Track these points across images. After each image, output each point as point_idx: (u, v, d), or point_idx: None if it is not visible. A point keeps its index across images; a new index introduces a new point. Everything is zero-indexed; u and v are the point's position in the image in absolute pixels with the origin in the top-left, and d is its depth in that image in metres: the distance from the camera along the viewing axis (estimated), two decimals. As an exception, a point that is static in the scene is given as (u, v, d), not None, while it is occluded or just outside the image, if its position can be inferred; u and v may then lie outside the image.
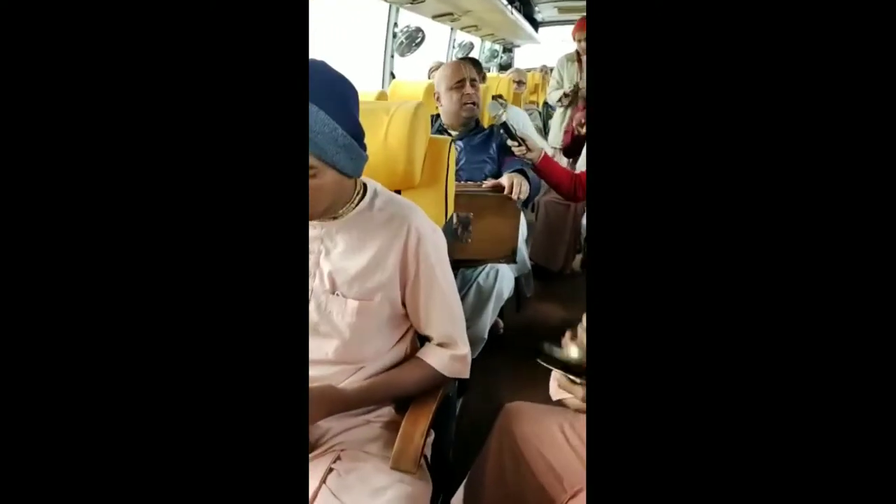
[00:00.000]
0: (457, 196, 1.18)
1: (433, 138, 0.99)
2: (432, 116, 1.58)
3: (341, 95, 0.66)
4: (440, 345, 0.81)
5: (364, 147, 0.71)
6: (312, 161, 0.64)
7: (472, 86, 1.51)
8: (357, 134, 0.69)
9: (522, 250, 1.83)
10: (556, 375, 0.64)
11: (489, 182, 1.29)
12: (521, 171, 1.31)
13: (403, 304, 0.79)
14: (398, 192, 0.95)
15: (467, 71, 1.52)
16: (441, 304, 0.78)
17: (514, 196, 1.24)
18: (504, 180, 1.26)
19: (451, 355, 0.80)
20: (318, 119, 0.63)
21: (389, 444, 0.72)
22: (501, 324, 1.62)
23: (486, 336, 1.34)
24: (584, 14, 3.17)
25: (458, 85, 1.50)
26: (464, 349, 0.81)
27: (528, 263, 1.87)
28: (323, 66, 0.67)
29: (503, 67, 4.75)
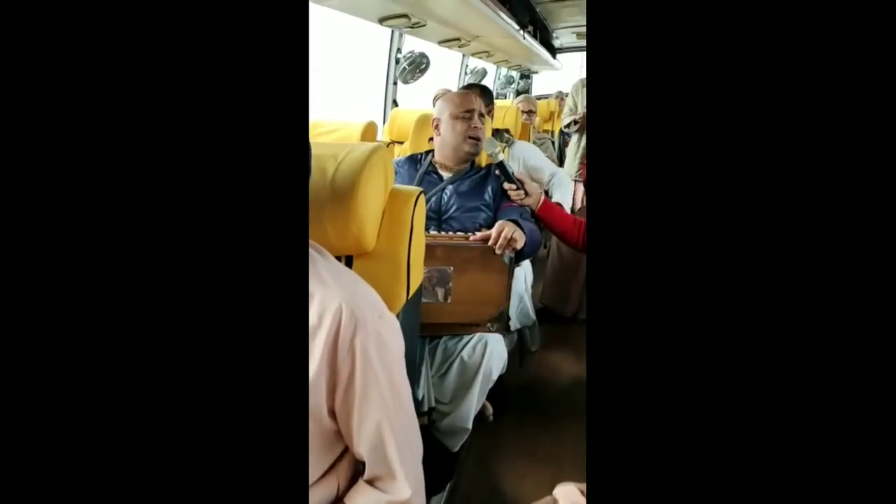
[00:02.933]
0: (433, 248, 0.98)
1: (396, 190, 0.80)
2: (420, 154, 1.39)
3: None
4: (372, 481, 0.60)
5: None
6: None
7: (481, 119, 1.33)
8: None
9: (525, 299, 1.62)
10: None
11: (479, 234, 1.08)
12: (516, 221, 1.09)
13: (333, 417, 0.58)
14: (349, 259, 0.76)
15: (478, 102, 1.33)
16: (380, 420, 0.57)
17: (498, 249, 1.03)
18: (493, 230, 1.06)
19: (387, 502, 0.58)
20: None
21: None
22: (490, 409, 1.41)
23: (469, 426, 1.10)
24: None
25: (467, 115, 1.30)
26: (404, 492, 0.59)
27: (533, 314, 1.65)
28: None
29: (521, 94, 4.62)
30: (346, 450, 0.62)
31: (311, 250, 0.61)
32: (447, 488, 1.18)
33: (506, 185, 1.25)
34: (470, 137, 1.30)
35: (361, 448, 0.58)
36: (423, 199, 0.80)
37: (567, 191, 1.92)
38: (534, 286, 1.95)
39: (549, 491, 0.49)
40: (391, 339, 0.61)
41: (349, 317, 0.55)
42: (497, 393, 1.45)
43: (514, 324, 1.57)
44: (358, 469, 0.63)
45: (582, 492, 0.46)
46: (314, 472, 0.59)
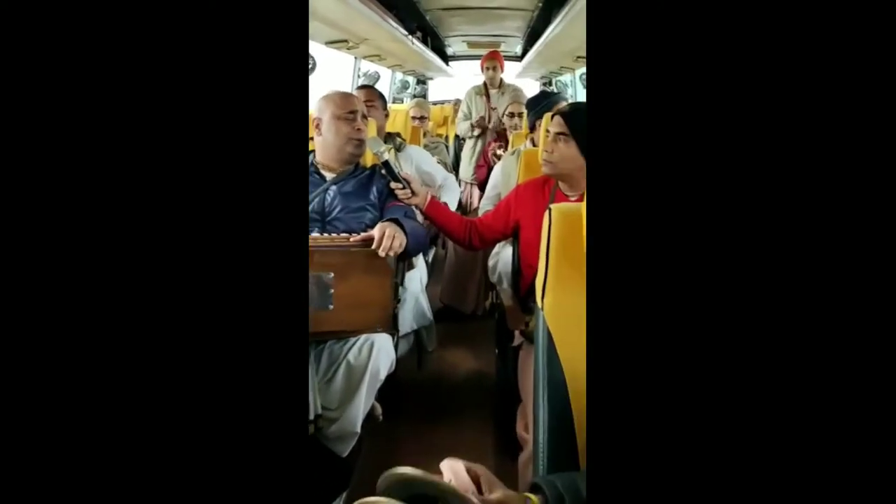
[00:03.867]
0: (311, 253, 0.95)
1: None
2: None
3: None
4: None
5: None
6: None
7: (364, 121, 1.32)
8: None
9: (421, 299, 1.64)
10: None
11: (361, 235, 1.08)
12: (397, 221, 1.10)
13: None
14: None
15: (360, 104, 1.32)
16: None
17: (382, 252, 1.03)
18: (375, 231, 1.05)
19: None
20: None
21: None
22: (379, 409, 1.42)
23: (358, 429, 1.09)
24: (491, 49, 3.19)
25: (350, 116, 1.28)
26: None
27: (429, 313, 1.67)
28: None
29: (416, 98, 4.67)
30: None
31: None
32: (343, 496, 1.16)
33: (392, 185, 1.26)
34: (353, 139, 1.29)
35: None
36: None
37: (455, 195, 1.98)
38: (432, 285, 1.98)
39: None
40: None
41: None
42: (396, 394, 1.45)
43: (410, 325, 1.58)
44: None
45: (468, 468, 0.48)
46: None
